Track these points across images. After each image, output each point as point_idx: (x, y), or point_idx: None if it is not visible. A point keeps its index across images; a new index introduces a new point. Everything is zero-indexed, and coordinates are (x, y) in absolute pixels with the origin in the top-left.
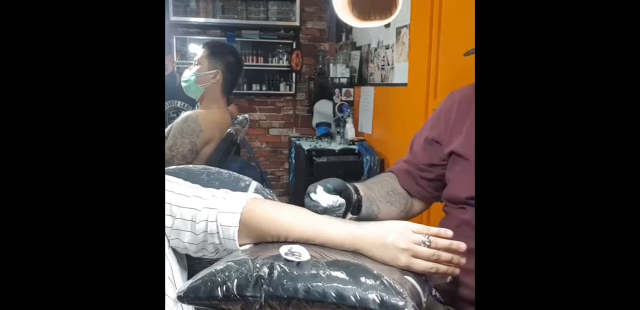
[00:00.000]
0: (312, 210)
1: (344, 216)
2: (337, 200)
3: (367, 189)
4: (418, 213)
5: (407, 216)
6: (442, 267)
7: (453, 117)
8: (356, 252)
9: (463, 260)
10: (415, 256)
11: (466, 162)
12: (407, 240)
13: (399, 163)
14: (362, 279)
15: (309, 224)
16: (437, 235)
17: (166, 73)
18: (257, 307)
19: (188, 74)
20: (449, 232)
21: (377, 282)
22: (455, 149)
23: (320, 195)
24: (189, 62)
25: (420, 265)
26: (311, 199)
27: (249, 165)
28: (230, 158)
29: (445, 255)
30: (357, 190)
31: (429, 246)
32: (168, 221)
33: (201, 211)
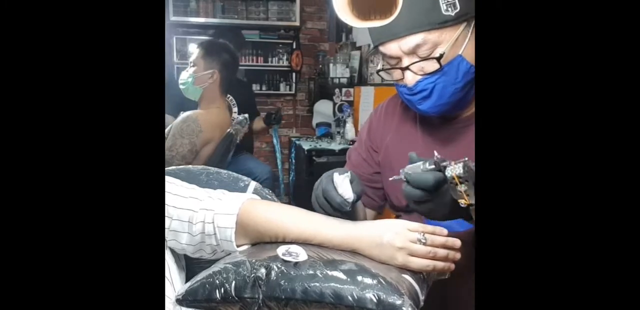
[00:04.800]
0: (333, 204)
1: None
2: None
3: None
4: None
5: None
6: (439, 264)
7: (382, 126)
8: (354, 252)
9: (458, 256)
10: (412, 254)
11: (391, 172)
12: (403, 239)
13: None
14: (360, 278)
15: (306, 224)
16: (432, 233)
17: None
18: (256, 308)
19: (185, 76)
20: (444, 231)
21: (375, 281)
22: (381, 159)
23: (347, 187)
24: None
25: (417, 263)
26: (337, 191)
27: (260, 163)
28: (243, 156)
29: (442, 252)
30: None
31: (424, 244)
32: (165, 222)
33: (198, 212)
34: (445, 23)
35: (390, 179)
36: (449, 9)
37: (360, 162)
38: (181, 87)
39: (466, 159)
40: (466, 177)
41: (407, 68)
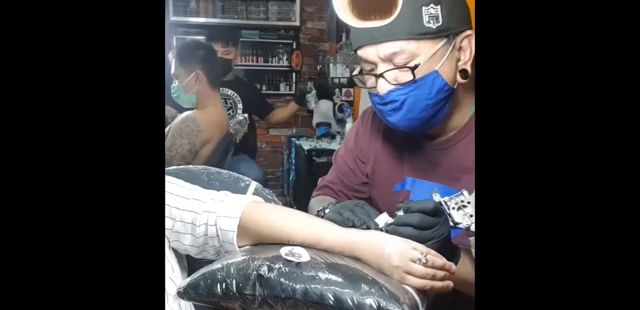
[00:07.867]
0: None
1: None
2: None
3: None
4: None
5: None
6: (437, 284)
7: (369, 134)
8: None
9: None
10: (409, 273)
11: (380, 190)
12: (403, 258)
13: (329, 184)
14: (361, 284)
15: (309, 230)
16: (435, 256)
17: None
18: (256, 305)
19: (174, 88)
20: (444, 259)
21: (375, 288)
22: (369, 172)
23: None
24: None
25: (414, 282)
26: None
27: (253, 166)
28: (238, 158)
29: (440, 274)
30: None
31: (424, 264)
32: (168, 223)
33: (201, 214)
34: (425, 35)
35: (380, 226)
36: (431, 21)
37: (348, 171)
38: (175, 99)
39: (463, 190)
40: (465, 203)
41: (381, 75)
